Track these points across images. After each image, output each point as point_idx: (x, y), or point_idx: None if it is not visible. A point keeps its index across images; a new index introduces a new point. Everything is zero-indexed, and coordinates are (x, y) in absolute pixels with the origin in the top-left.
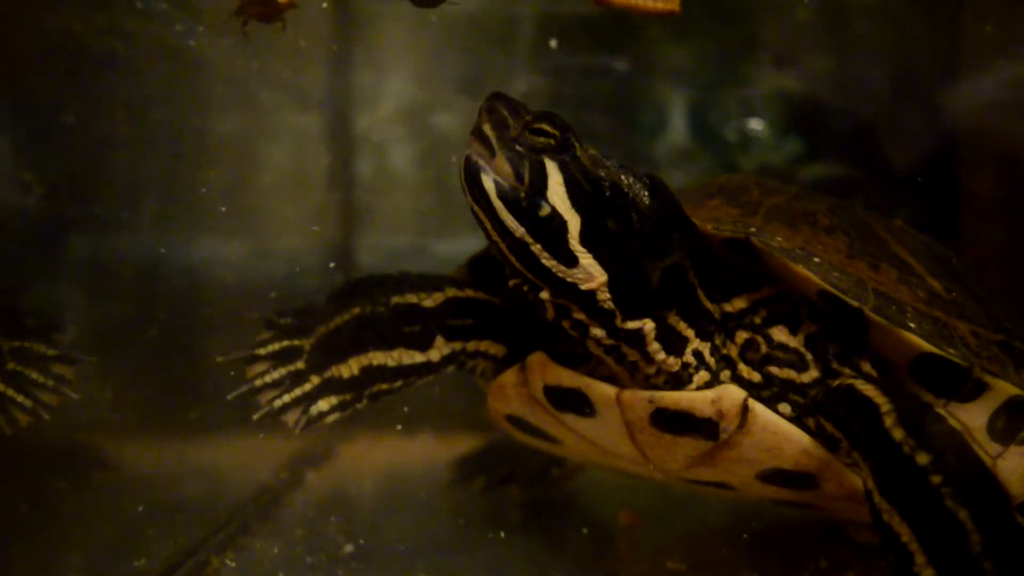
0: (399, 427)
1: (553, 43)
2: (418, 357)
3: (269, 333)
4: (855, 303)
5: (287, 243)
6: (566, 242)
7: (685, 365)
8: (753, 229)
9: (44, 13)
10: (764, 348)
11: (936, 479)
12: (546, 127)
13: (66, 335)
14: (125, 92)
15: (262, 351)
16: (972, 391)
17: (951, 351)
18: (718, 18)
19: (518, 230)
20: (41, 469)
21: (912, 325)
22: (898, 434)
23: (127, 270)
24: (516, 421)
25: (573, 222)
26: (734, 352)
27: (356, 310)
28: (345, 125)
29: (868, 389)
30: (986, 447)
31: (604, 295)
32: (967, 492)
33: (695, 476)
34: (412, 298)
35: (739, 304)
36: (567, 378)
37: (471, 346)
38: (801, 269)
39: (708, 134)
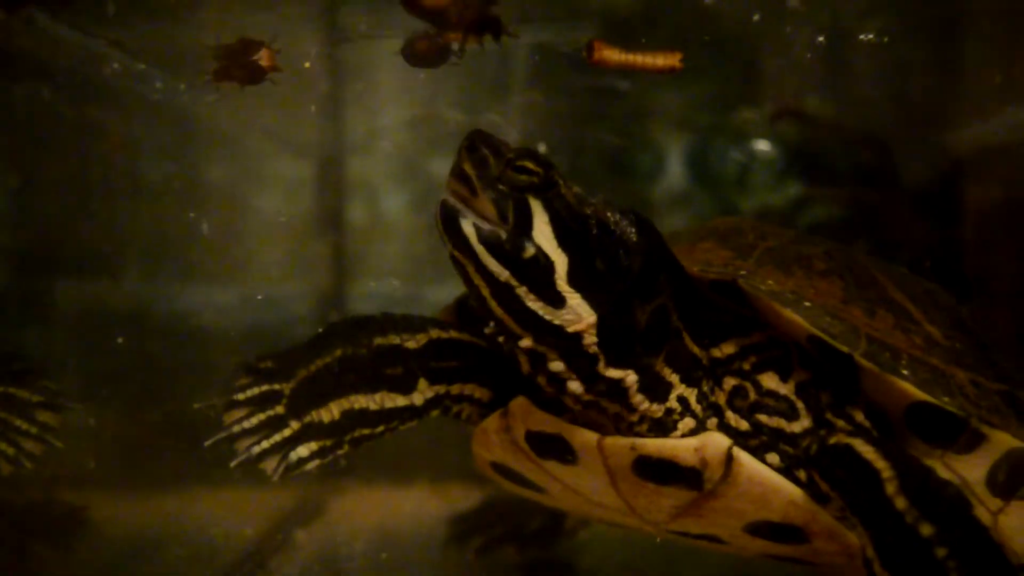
0: (390, 477)
1: (547, 88)
2: (401, 400)
3: (248, 378)
4: (845, 348)
5: (278, 290)
6: (553, 283)
7: (669, 411)
8: (743, 272)
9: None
10: (753, 395)
11: (941, 552)
12: (529, 164)
13: (53, 381)
14: (113, 143)
15: (240, 396)
16: (970, 442)
17: (946, 400)
18: (716, 61)
19: (502, 274)
20: (20, 528)
21: (906, 372)
22: (901, 503)
23: (115, 317)
24: (501, 468)
25: (560, 262)
26: (722, 399)
27: (337, 352)
28: (337, 171)
29: (868, 451)
30: (986, 502)
31: (591, 338)
32: (973, 565)
33: (683, 528)
34: (395, 339)
35: (728, 349)
36: (549, 424)
37: (455, 389)
38: (789, 313)
39: (707, 177)
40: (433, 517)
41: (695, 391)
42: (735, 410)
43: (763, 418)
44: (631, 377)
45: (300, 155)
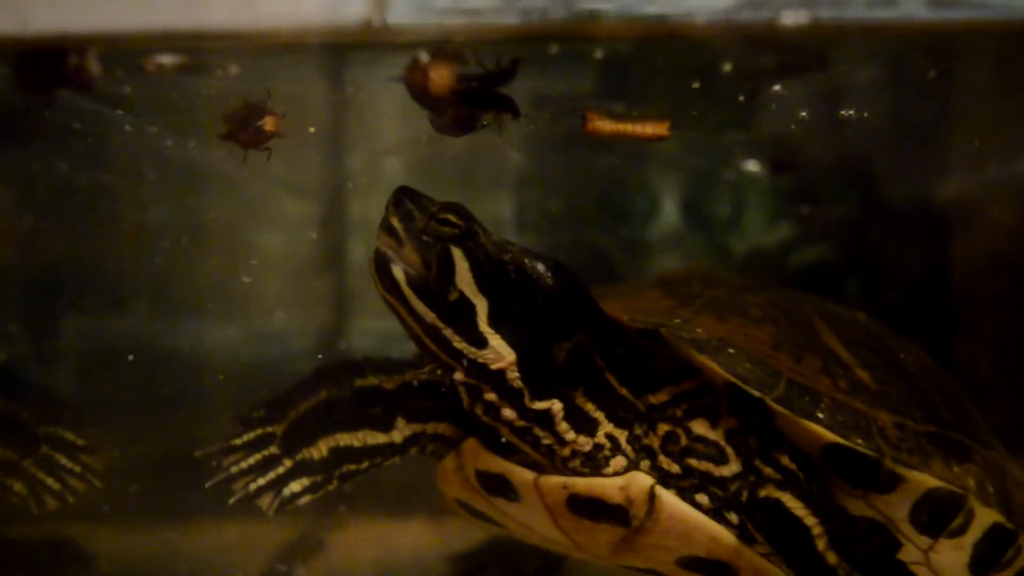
0: (389, 512)
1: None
2: (381, 438)
3: (243, 427)
4: (757, 393)
5: (280, 326)
6: (476, 325)
7: (598, 447)
8: (678, 321)
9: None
10: (684, 440)
11: None
12: (451, 217)
13: (94, 429)
14: (118, 185)
15: (237, 442)
16: (888, 483)
17: (859, 442)
18: (711, 105)
19: (428, 315)
20: (25, 566)
21: (820, 416)
22: (832, 558)
23: (119, 352)
24: (464, 506)
25: (481, 305)
26: (656, 443)
27: (323, 394)
28: (338, 210)
29: (797, 507)
30: (915, 540)
31: (513, 374)
32: None
33: (627, 563)
34: (373, 380)
35: (662, 396)
36: (493, 464)
37: (430, 428)
38: (704, 359)
39: (700, 219)
40: (431, 553)
41: (625, 432)
42: (667, 454)
43: (693, 462)
44: (556, 406)
45: (301, 194)
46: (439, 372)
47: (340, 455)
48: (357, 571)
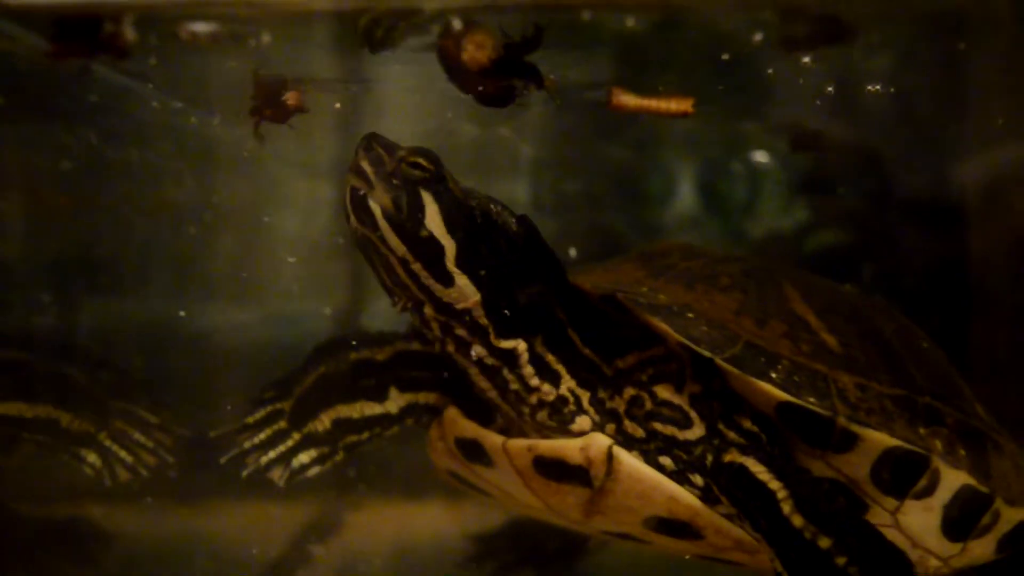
0: (405, 493)
1: (561, 108)
2: (377, 408)
3: (256, 406)
4: (707, 353)
5: (296, 308)
6: (443, 264)
7: (562, 399)
8: (644, 289)
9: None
10: (649, 404)
11: (841, 560)
12: (421, 161)
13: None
14: (139, 167)
15: (250, 420)
16: (843, 442)
17: (811, 400)
18: (727, 87)
19: (400, 248)
20: (44, 543)
21: (773, 376)
22: (797, 521)
23: (138, 334)
24: (454, 476)
25: (449, 246)
26: (621, 407)
27: (322, 369)
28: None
29: (761, 472)
30: (881, 501)
31: (479, 312)
32: (872, 567)
33: (602, 527)
34: (366, 353)
35: (630, 360)
36: (469, 430)
37: (422, 398)
38: (656, 321)
39: (716, 202)
40: (448, 534)
41: (588, 393)
42: (632, 418)
43: (658, 426)
44: (520, 346)
45: (318, 176)
46: (409, 306)
47: (342, 426)
48: (375, 551)
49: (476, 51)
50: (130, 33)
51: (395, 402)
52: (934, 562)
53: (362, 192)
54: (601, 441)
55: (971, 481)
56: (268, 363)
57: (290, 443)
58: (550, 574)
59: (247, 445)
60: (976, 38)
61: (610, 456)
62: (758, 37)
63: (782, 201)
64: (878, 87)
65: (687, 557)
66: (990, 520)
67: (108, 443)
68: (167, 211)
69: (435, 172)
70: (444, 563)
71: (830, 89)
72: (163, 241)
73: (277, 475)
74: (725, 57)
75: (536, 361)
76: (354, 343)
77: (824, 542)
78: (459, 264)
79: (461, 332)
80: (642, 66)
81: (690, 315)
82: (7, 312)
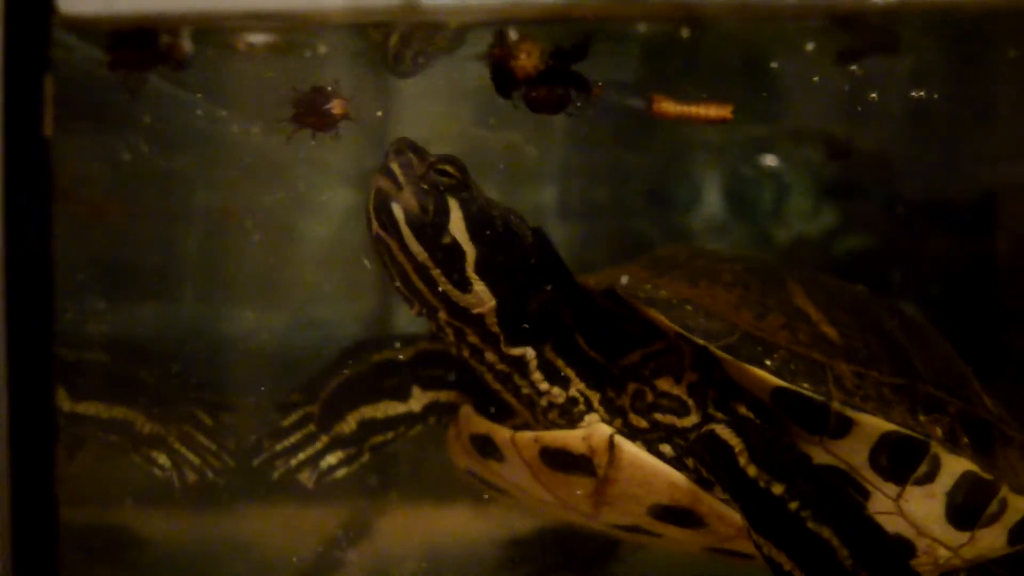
0: (433, 498)
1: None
2: (400, 408)
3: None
4: (701, 341)
5: (326, 313)
6: (464, 270)
7: (572, 400)
8: (648, 286)
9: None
10: (650, 397)
11: (793, 505)
12: (449, 168)
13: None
14: (186, 174)
15: (286, 423)
16: (839, 427)
17: (805, 385)
18: (753, 94)
19: (421, 254)
20: (77, 548)
21: (768, 363)
22: (752, 471)
23: (171, 339)
24: (472, 474)
25: (471, 253)
26: (626, 403)
27: (347, 372)
28: None
29: (725, 433)
30: (882, 488)
31: (491, 319)
32: (825, 511)
33: (611, 519)
34: (389, 354)
35: (634, 358)
36: (481, 426)
37: (443, 396)
38: (652, 312)
39: (743, 208)
40: (478, 539)
41: (598, 395)
42: (636, 411)
43: (659, 416)
44: (529, 353)
45: (347, 182)
46: (424, 311)
47: (367, 427)
48: (407, 555)
49: (526, 60)
50: (187, 44)
51: (418, 400)
52: (943, 552)
53: (387, 196)
54: (603, 430)
55: (973, 467)
56: (298, 367)
57: (318, 446)
58: None
59: (278, 448)
60: (1002, 45)
61: (611, 444)
62: (787, 45)
63: (809, 206)
64: (910, 94)
65: (699, 551)
66: (997, 509)
67: (177, 445)
68: (204, 218)
69: (462, 179)
70: (475, 567)
71: (861, 96)
72: (199, 247)
73: (306, 477)
74: (755, 64)
75: (545, 367)
76: (378, 345)
77: (777, 489)
78: (478, 270)
79: (474, 339)
80: (672, 72)
81: (688, 307)
82: (63, 316)
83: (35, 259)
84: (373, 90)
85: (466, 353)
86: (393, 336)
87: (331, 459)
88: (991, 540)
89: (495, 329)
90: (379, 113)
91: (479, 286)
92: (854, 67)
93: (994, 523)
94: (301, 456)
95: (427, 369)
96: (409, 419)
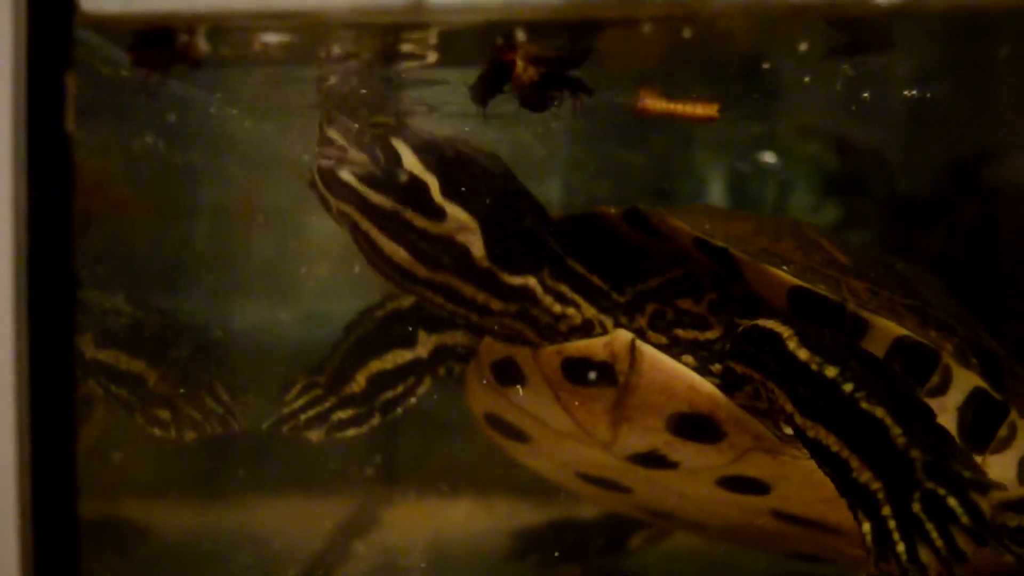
0: (439, 490)
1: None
2: (408, 355)
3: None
4: (720, 243)
5: (331, 307)
6: (431, 199)
7: (588, 323)
8: (661, 210)
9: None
10: (671, 315)
11: (848, 387)
12: (384, 120)
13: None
14: (181, 169)
15: (290, 396)
16: (855, 332)
17: (822, 287)
18: (757, 92)
19: (387, 202)
20: (86, 538)
21: (785, 268)
22: (803, 355)
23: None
24: (491, 419)
25: (432, 181)
26: (644, 323)
27: (352, 336)
28: None
29: (770, 323)
30: None
31: (479, 251)
32: (878, 392)
33: (627, 446)
34: (391, 306)
35: (653, 283)
36: (502, 351)
37: (449, 339)
38: (676, 222)
39: (746, 202)
40: (484, 530)
41: (611, 319)
42: (655, 329)
43: (680, 332)
44: (531, 281)
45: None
46: (407, 283)
47: (376, 383)
48: (413, 546)
49: (528, 65)
50: (203, 44)
51: (424, 345)
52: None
53: (332, 168)
54: (624, 336)
55: (983, 384)
56: (302, 360)
57: (328, 404)
58: (592, 572)
59: (285, 411)
60: (1002, 43)
61: (633, 348)
62: (790, 43)
63: (812, 202)
64: (912, 92)
65: (710, 487)
66: (1007, 433)
67: (181, 404)
68: (213, 213)
69: (399, 123)
70: (481, 557)
71: (863, 94)
72: (208, 241)
73: (315, 434)
74: (756, 61)
75: (551, 292)
76: (380, 303)
77: (830, 371)
78: (444, 194)
79: (469, 290)
80: (673, 70)
81: (707, 226)
82: (85, 310)
83: (57, 251)
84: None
85: (474, 316)
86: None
87: (341, 414)
88: (1001, 469)
89: (486, 265)
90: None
91: (452, 208)
92: (846, 65)
93: (1005, 449)
94: (311, 413)
95: (431, 312)
96: (418, 367)
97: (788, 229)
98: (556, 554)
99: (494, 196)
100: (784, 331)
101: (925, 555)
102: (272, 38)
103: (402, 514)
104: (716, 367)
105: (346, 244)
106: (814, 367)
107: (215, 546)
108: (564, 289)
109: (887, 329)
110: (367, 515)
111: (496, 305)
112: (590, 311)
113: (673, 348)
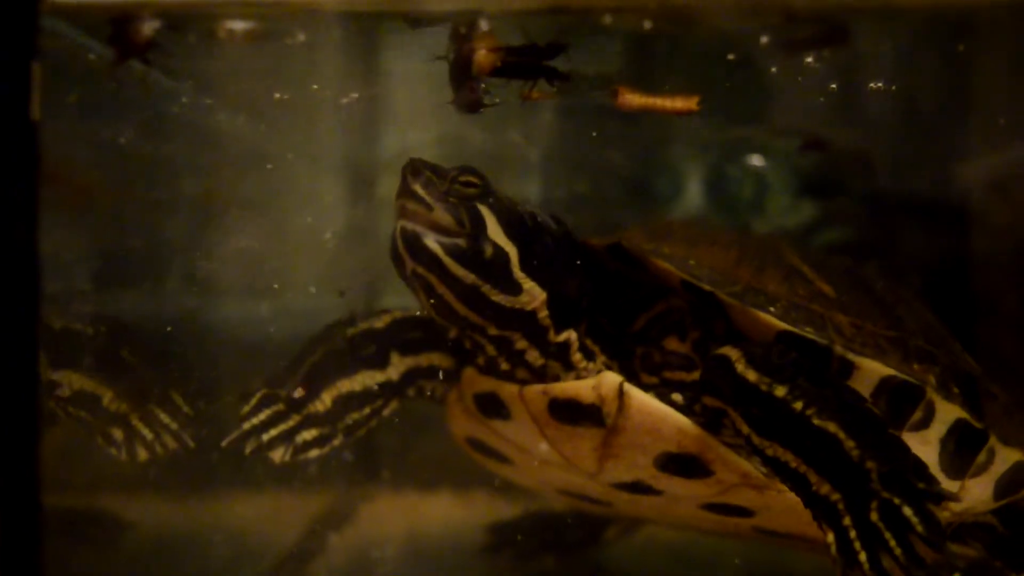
0: (415, 485)
1: (567, 111)
2: (379, 376)
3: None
4: (707, 287)
5: (311, 303)
6: (511, 273)
7: (587, 369)
8: (649, 247)
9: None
10: (658, 357)
11: (798, 405)
12: (472, 179)
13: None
14: (168, 162)
15: (246, 409)
16: (841, 372)
17: (808, 330)
18: (733, 90)
19: (469, 277)
20: (64, 532)
21: (772, 309)
22: (752, 376)
23: (154, 328)
24: (473, 443)
25: (513, 253)
26: (637, 365)
27: (319, 351)
28: (369, 187)
29: (723, 348)
30: None
31: (543, 312)
32: (829, 407)
33: (614, 476)
34: (364, 325)
35: (639, 324)
36: (486, 384)
37: (424, 360)
38: (660, 262)
39: (723, 201)
40: (461, 524)
41: (616, 364)
42: (645, 370)
43: (668, 373)
44: (572, 336)
45: (333, 173)
46: (468, 332)
47: (343, 404)
48: (389, 540)
49: (484, 57)
50: (147, 29)
51: (396, 368)
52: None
53: (415, 231)
54: (612, 379)
55: (965, 415)
56: (282, 356)
57: (291, 423)
58: (568, 564)
59: (246, 427)
60: (976, 40)
61: (621, 392)
62: (764, 39)
63: (788, 200)
64: (881, 86)
65: (694, 510)
66: (985, 458)
67: (135, 422)
68: (189, 206)
69: (484, 185)
70: (458, 552)
71: (834, 89)
72: (183, 234)
73: (279, 454)
74: (731, 58)
75: (584, 348)
76: (351, 320)
77: (780, 391)
78: (524, 268)
79: (521, 344)
80: (650, 65)
81: (692, 262)
82: (50, 301)
83: (21, 241)
84: (360, 78)
85: (504, 363)
86: (363, 312)
87: (305, 435)
88: (979, 491)
89: (546, 323)
90: (355, 95)
91: (527, 283)
92: (809, 59)
93: (983, 473)
94: (273, 432)
95: (405, 333)
96: (387, 390)
97: (771, 256)
98: (532, 546)
99: (560, 266)
100: (733, 354)
101: (887, 562)
102: (238, 25)
103: (379, 507)
104: (697, 407)
105: (320, 241)
106: (763, 387)
107: (192, 539)
108: (588, 341)
109: (874, 370)
110: (344, 508)
111: (532, 355)
112: (602, 358)
113: (663, 388)
